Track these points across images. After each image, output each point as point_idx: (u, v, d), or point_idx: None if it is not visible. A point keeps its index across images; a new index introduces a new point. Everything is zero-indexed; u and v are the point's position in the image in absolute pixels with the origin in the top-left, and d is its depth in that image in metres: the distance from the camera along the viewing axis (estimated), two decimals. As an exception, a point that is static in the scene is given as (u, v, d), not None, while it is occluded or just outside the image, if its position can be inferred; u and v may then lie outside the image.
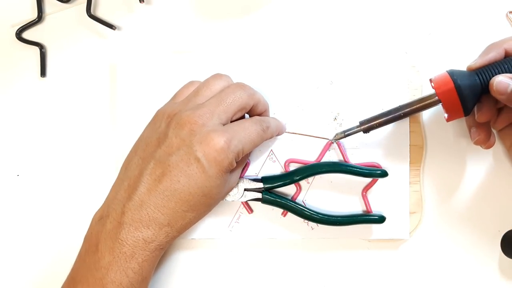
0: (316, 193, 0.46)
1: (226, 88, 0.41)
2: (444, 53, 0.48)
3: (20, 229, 0.48)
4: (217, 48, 0.48)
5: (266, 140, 0.43)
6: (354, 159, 0.46)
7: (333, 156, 0.46)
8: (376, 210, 0.46)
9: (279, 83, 0.47)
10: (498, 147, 0.47)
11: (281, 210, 0.46)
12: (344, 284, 0.47)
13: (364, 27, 0.48)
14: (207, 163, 0.37)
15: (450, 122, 0.44)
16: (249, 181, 0.45)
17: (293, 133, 0.46)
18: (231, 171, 0.40)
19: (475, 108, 0.41)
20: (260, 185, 0.45)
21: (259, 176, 0.46)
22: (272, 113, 0.46)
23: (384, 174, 0.44)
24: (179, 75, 0.47)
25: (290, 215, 0.46)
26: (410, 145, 0.46)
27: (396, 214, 0.46)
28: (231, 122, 0.40)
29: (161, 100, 0.46)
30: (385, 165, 0.46)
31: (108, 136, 0.48)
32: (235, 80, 0.45)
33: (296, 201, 0.45)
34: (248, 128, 0.40)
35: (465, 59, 0.47)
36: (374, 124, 0.42)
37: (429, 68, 0.47)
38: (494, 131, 0.44)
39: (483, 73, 0.39)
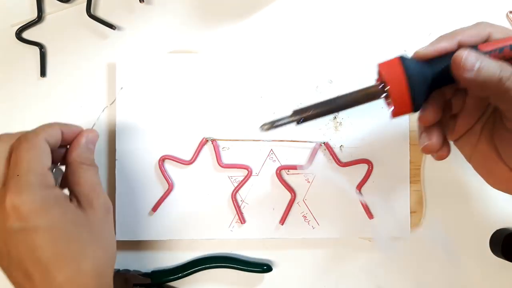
0: (316, 192, 0.46)
1: None
2: (444, 53, 0.48)
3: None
4: (216, 48, 0.48)
5: (49, 138, 0.36)
6: (350, 158, 0.46)
7: (322, 158, 0.46)
8: (377, 209, 0.46)
9: (279, 83, 0.47)
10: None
11: (278, 218, 0.46)
12: (344, 284, 0.47)
13: (364, 27, 0.48)
14: (21, 222, 0.33)
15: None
16: (138, 276, 0.46)
17: (280, 140, 0.46)
18: (60, 197, 0.35)
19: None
20: (149, 280, 0.46)
21: (150, 270, 0.47)
22: (272, 112, 0.46)
23: (268, 269, 0.46)
24: (179, 76, 0.47)
25: (290, 215, 0.46)
26: (410, 144, 0.46)
27: (397, 213, 0.46)
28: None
29: (160, 100, 0.46)
30: (385, 164, 0.46)
31: (108, 136, 0.48)
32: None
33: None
34: (15, 157, 0.35)
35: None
36: (309, 115, 0.34)
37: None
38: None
39: (435, 64, 0.32)
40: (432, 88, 0.33)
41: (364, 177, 0.46)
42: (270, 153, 0.46)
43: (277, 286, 0.47)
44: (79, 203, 0.36)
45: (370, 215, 0.46)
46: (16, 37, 0.48)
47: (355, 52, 0.47)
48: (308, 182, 0.46)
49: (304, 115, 0.34)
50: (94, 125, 0.48)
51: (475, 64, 0.29)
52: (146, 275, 0.46)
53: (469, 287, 0.47)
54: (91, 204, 0.37)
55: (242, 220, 0.46)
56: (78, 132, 0.39)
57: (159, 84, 0.47)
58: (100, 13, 0.49)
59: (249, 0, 0.48)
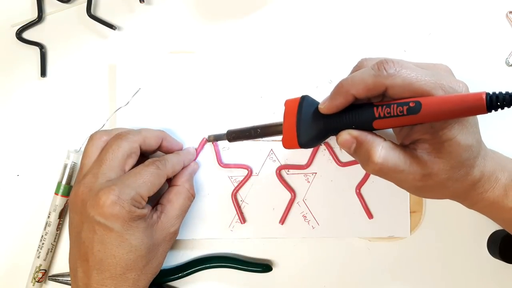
0: (316, 192, 0.46)
1: (105, 146, 0.41)
2: (444, 53, 0.48)
3: (20, 229, 0.48)
4: (216, 48, 0.48)
5: (170, 175, 0.42)
6: (350, 158, 0.46)
7: (322, 158, 0.46)
8: (377, 208, 0.46)
9: (279, 83, 0.47)
10: (503, 143, 0.47)
11: (278, 217, 0.46)
12: (344, 284, 0.47)
13: (364, 27, 0.48)
14: (108, 221, 0.37)
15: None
16: None
17: (280, 140, 0.46)
18: (146, 216, 0.39)
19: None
20: None
21: None
22: (272, 112, 0.46)
23: (268, 269, 0.46)
24: (179, 76, 0.47)
25: (290, 215, 0.46)
26: (410, 144, 0.46)
27: (396, 213, 0.46)
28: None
29: (160, 100, 0.46)
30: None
31: (108, 136, 0.48)
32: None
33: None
34: (140, 172, 0.40)
35: (465, 59, 0.47)
36: (234, 137, 0.43)
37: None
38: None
39: (330, 119, 0.36)
40: (327, 132, 0.37)
41: (364, 177, 0.46)
42: (270, 153, 0.46)
43: (277, 286, 0.47)
44: (159, 218, 0.41)
45: (370, 215, 0.46)
46: (17, 37, 0.48)
47: (355, 52, 0.47)
48: (308, 182, 0.46)
49: (232, 136, 0.43)
50: (103, 125, 0.48)
51: (350, 148, 0.36)
52: None
53: None
54: (166, 227, 0.41)
55: (242, 219, 0.46)
56: (179, 148, 0.45)
57: (159, 84, 0.47)
58: (100, 13, 0.49)
59: (248, 0, 0.48)
